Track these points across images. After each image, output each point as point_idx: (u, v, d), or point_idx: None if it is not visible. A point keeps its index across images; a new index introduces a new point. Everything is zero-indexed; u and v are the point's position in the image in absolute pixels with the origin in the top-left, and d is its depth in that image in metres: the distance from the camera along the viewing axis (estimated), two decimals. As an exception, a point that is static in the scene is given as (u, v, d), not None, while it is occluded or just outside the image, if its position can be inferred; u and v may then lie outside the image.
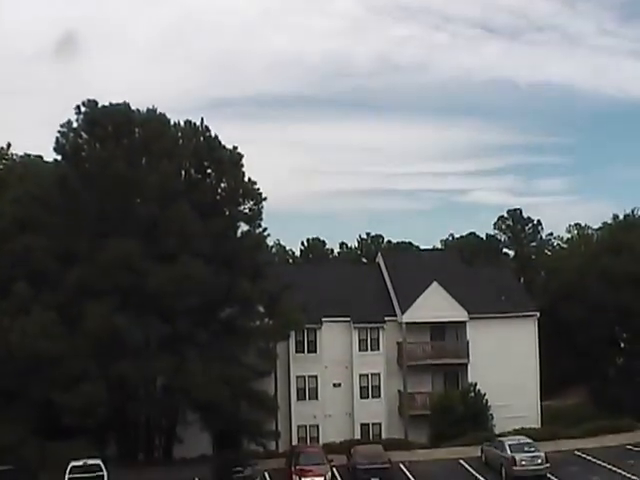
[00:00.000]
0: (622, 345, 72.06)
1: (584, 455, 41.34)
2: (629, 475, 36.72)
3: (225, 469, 35.50)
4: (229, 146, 43.70)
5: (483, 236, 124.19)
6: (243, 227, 44.03)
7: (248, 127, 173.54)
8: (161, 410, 41.88)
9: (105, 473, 33.51)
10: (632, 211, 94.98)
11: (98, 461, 34.97)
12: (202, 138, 43.64)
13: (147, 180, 40.01)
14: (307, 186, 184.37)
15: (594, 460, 40.10)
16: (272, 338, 44.40)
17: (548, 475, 36.71)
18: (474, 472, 38.56)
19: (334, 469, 37.39)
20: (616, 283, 67.08)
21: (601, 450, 42.16)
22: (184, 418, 44.72)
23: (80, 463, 34.46)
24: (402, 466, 39.53)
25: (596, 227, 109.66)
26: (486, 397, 50.40)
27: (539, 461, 36.68)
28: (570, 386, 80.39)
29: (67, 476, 33.74)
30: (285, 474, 37.39)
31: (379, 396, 52.88)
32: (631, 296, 65.75)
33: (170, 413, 43.71)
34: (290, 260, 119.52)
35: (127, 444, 44.62)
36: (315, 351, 52.06)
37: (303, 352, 51.78)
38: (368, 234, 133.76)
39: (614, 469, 37.96)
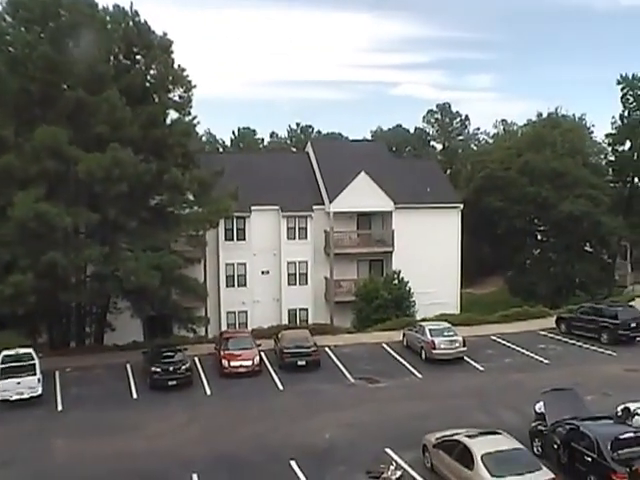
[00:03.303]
0: (539, 237, 74.74)
1: (499, 339, 43.36)
2: (539, 358, 39.01)
3: (155, 355, 35.99)
4: (159, 32, 42.84)
5: (412, 129, 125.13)
6: (173, 115, 43.49)
7: (178, 12, 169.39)
8: (92, 298, 41.92)
9: (37, 361, 33.57)
10: (555, 110, 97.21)
11: (30, 350, 34.79)
12: (131, 23, 42.49)
13: (74, 65, 38.91)
14: (238, 75, 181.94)
15: (508, 344, 42.18)
16: (202, 226, 44.48)
17: (465, 358, 38.54)
18: (396, 355, 40.02)
19: (262, 353, 38.12)
20: (536, 177, 69.26)
21: (515, 335, 44.26)
22: (115, 305, 45.47)
23: (12, 352, 34.37)
24: (328, 350, 40.74)
25: (521, 124, 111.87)
26: (409, 284, 52.03)
27: (457, 345, 38.47)
28: (489, 275, 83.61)
29: (-1, 365, 33.77)
30: (214, 359, 38.22)
31: (306, 283, 54.39)
32: (549, 190, 68.07)
33: (101, 301, 43.99)
34: (220, 149, 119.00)
35: (59, 332, 45.00)
36: (244, 239, 52.95)
37: (232, 240, 52.64)
38: (298, 124, 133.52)
39: (526, 352, 40.16)
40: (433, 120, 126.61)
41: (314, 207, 54.53)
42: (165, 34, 42.43)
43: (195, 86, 42.79)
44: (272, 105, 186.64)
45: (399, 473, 23.24)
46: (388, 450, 25.14)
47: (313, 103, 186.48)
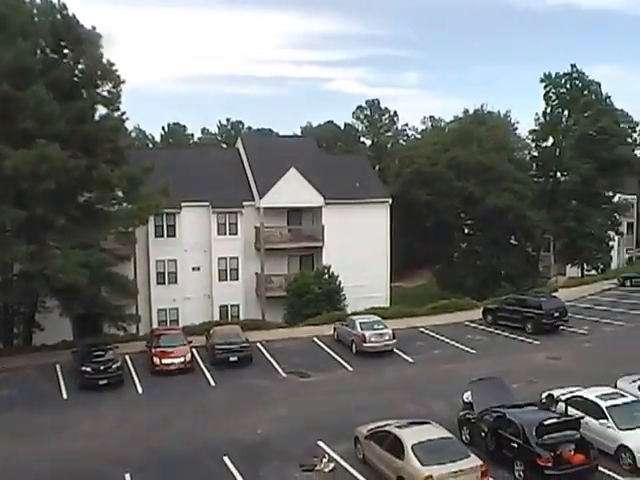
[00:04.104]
0: (466, 230, 76.15)
1: (428, 331, 44.21)
2: (467, 348, 39.96)
3: (85, 354, 35.59)
4: (88, 26, 42.17)
5: (341, 125, 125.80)
6: (102, 110, 42.92)
7: (107, 7, 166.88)
8: (19, 297, 41.05)
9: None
10: (481, 106, 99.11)
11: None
12: (59, 16, 41.73)
13: (0, 58, 38.20)
14: (169, 70, 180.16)
15: (437, 336, 43.07)
16: (131, 222, 44.05)
17: (395, 350, 39.15)
18: (327, 349, 40.48)
19: (193, 350, 38.15)
20: (463, 172, 70.55)
21: (444, 327, 45.23)
22: (43, 305, 44.55)
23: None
24: (259, 345, 40.92)
25: (448, 120, 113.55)
26: (339, 278, 52.52)
27: (387, 337, 39.06)
28: (418, 268, 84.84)
29: None
30: (146, 357, 37.97)
31: (237, 279, 54.32)
32: (476, 184, 69.42)
33: (29, 300, 43.13)
34: (150, 145, 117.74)
35: (-14, 333, 44.22)
36: (174, 235, 52.62)
37: (162, 236, 52.24)
38: (228, 120, 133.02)
39: (454, 343, 41.09)
40: (362, 116, 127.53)
41: (244, 203, 54.49)
42: (94, 28, 41.67)
43: (124, 81, 42.25)
44: (202, 101, 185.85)
45: (332, 465, 23.58)
46: (320, 443, 25.43)
47: (244, 99, 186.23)
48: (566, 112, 77.96)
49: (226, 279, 54.04)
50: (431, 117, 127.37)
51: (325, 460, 23.79)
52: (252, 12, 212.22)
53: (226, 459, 24.33)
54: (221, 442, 25.98)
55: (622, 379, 28.65)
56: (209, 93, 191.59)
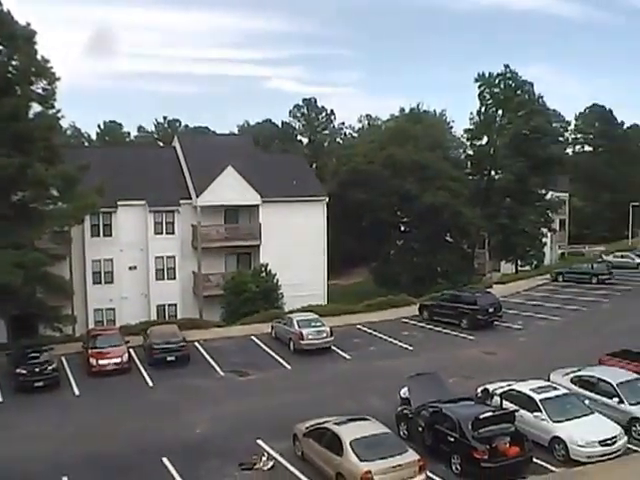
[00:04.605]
0: (402, 228, 76.89)
1: (365, 328, 44.57)
2: (404, 345, 40.40)
3: (20, 356, 34.95)
4: (22, 22, 41.40)
5: (279, 123, 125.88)
6: (36, 108, 42.16)
7: (41, 3, 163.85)
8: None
9: None
10: (417, 105, 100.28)
11: None
12: (-8, 12, 40.85)
13: None
14: (105, 68, 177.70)
15: (374, 332, 43.46)
16: (67, 222, 43.50)
17: (332, 347, 39.41)
18: (265, 347, 40.51)
19: (131, 350, 37.83)
20: (399, 170, 71.23)
21: (380, 324, 45.64)
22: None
23: None
24: (197, 344, 40.78)
25: (385, 119, 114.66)
26: (277, 276, 52.62)
27: (324, 335, 39.28)
28: (355, 266, 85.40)
29: None
30: (82, 358, 37.43)
31: (174, 278, 53.98)
32: (412, 182, 70.14)
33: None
34: (86, 143, 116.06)
35: None
36: (110, 235, 52.00)
37: (98, 236, 51.57)
38: (165, 118, 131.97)
39: (391, 340, 41.52)
40: (299, 115, 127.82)
41: (181, 202, 54.18)
42: (28, 24, 40.98)
43: (59, 78, 41.59)
44: (139, 99, 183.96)
45: (271, 463, 23.65)
46: (260, 441, 25.45)
47: (181, 97, 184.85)
48: (500, 111, 79.20)
49: (163, 278, 53.66)
50: (368, 116, 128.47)
51: (264, 458, 23.85)
52: (190, 10, 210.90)
53: (165, 460, 24.18)
54: (160, 443, 25.82)
55: (555, 372, 29.33)
56: (146, 91, 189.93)
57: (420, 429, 24.36)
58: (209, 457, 24.51)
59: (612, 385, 26.10)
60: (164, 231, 53.50)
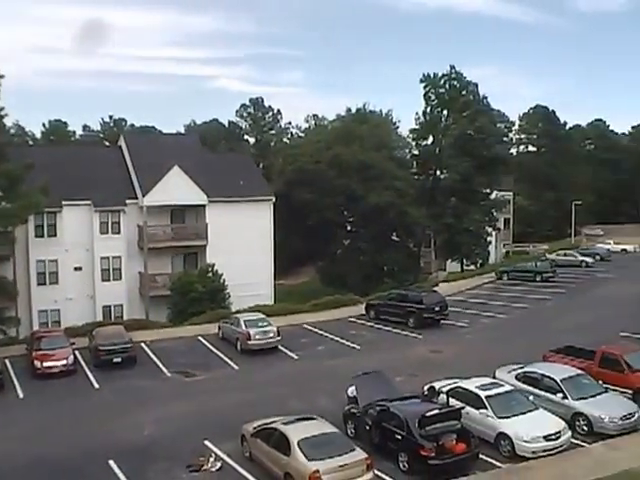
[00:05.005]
0: (348, 227, 77.26)
1: (312, 328, 44.71)
2: (350, 344, 40.61)
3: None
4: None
5: (225, 122, 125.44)
6: (-22, 106, 41.49)
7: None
8: None
9: None
10: (363, 105, 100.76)
11: None
12: None
13: None
14: (50, 66, 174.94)
15: (321, 332, 43.61)
16: (10, 222, 42.90)
17: (280, 347, 39.44)
18: (212, 347, 40.36)
19: (76, 352, 37.30)
20: (345, 170, 71.55)
21: (328, 323, 45.85)
22: None
23: None
24: (144, 345, 40.47)
25: (331, 119, 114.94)
26: (223, 277, 52.40)
27: (271, 335, 39.26)
28: (302, 265, 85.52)
29: None
30: (27, 360, 36.82)
31: (120, 278, 53.45)
32: (358, 182, 70.52)
33: None
34: (30, 142, 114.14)
35: None
36: (55, 235, 51.32)
37: (43, 236, 50.86)
38: (111, 117, 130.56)
39: (338, 339, 41.70)
40: (246, 114, 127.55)
41: (127, 201, 53.69)
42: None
43: (3, 76, 41.02)
44: (85, 98, 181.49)
45: (219, 464, 23.57)
46: (207, 442, 25.33)
47: (127, 96, 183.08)
48: (445, 112, 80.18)
49: (109, 279, 53.12)
50: (314, 115, 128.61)
51: (212, 459, 23.75)
52: (136, 8, 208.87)
53: (112, 463, 23.90)
54: (107, 446, 25.51)
55: (500, 369, 29.73)
56: (91, 90, 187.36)
57: (367, 428, 24.49)
58: (156, 459, 24.31)
59: (556, 381, 26.57)
60: (110, 231, 52.97)
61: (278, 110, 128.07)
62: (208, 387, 33.28)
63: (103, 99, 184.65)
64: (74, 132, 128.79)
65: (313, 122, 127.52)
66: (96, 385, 34.02)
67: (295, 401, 29.75)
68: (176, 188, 53.67)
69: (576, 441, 24.25)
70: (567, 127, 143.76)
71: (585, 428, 25.02)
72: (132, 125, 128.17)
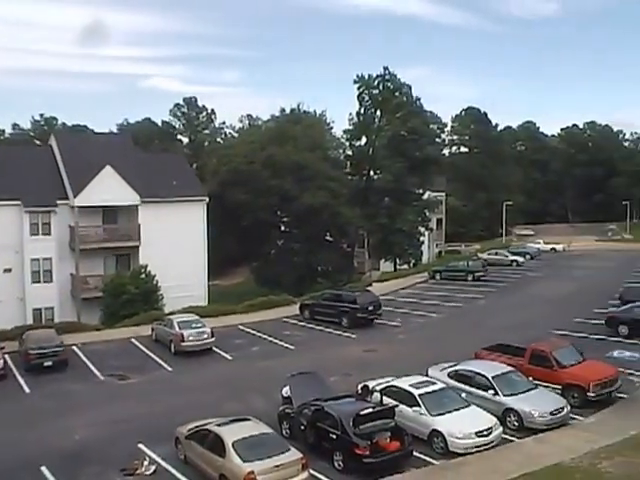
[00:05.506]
0: (282, 228, 77.36)
1: (246, 329, 44.67)
2: (285, 344, 40.69)
3: None
4: None
5: (159, 122, 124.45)
6: None
7: None
8: None
9: None
10: (298, 106, 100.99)
11: None
12: None
13: None
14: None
15: (255, 333, 43.58)
16: None
17: (214, 348, 39.28)
18: (145, 349, 39.98)
19: (6, 356, 36.43)
20: (279, 171, 71.63)
21: (262, 323, 45.90)
22: None
23: None
24: (76, 348, 39.88)
25: (265, 119, 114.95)
26: (156, 278, 52.01)
27: (205, 336, 39.08)
28: (236, 266, 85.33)
29: None
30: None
31: (51, 280, 52.49)
32: (292, 183, 70.66)
33: None
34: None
35: None
36: (-18, 236, 50.24)
37: (-30, 237, 49.80)
38: (42, 115, 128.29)
39: (272, 340, 41.74)
40: (180, 114, 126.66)
41: (58, 202, 52.74)
42: None
43: None
44: (14, 96, 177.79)
45: (153, 468, 23.38)
46: (141, 446, 25.10)
47: (58, 95, 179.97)
48: (378, 113, 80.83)
49: (40, 281, 52.11)
50: (248, 116, 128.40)
51: (146, 463, 23.54)
52: (69, 4, 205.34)
53: (44, 469, 23.44)
54: (38, 451, 25.04)
55: (433, 367, 30.13)
56: (21, 88, 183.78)
57: (302, 428, 24.57)
58: (89, 464, 23.96)
59: (487, 378, 27.07)
60: (40, 232, 51.93)
61: (212, 110, 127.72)
62: (142, 390, 32.95)
63: (34, 97, 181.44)
64: (3, 131, 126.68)
65: (247, 122, 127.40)
66: (27, 390, 33.36)
67: (230, 402, 29.66)
68: (108, 188, 53.02)
69: (507, 436, 24.74)
70: (498, 128, 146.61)
71: (516, 423, 25.59)
72: (64, 124, 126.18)
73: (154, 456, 24.22)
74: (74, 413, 29.50)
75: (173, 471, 23.19)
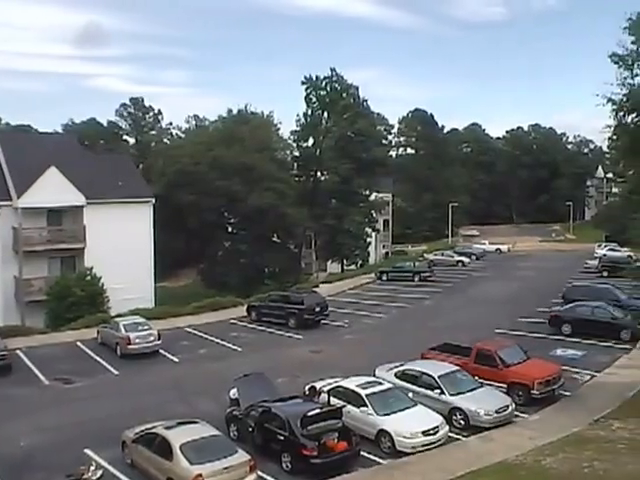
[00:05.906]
0: (229, 229, 77.22)
1: (193, 331, 44.54)
2: (232, 346, 40.61)
3: None
4: None
5: (104, 122, 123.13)
6: None
7: None
8: None
9: None
10: (245, 106, 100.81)
11: None
12: None
13: None
14: None
15: (202, 335, 43.46)
16: None
17: (161, 351, 39.06)
18: (91, 353, 39.52)
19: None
20: (226, 172, 71.54)
21: (209, 325, 45.86)
22: None
23: None
24: (20, 352, 39.27)
25: (212, 120, 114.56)
26: (102, 280, 51.56)
27: (152, 339, 38.81)
28: (183, 268, 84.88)
29: None
30: None
31: (-6, 283, 51.64)
32: (239, 184, 70.59)
33: None
34: None
35: None
36: None
37: None
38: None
39: (220, 342, 41.63)
40: (126, 114, 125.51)
41: (1, 203, 52.03)
42: None
43: None
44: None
45: (100, 473, 23.13)
46: (87, 450, 24.80)
47: (1, 93, 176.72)
48: (326, 114, 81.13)
49: (-19, 284, 51.22)
50: (195, 116, 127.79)
51: (93, 468, 23.27)
52: (13, 2, 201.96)
53: (-14, 477, 23.19)
54: (-20, 458, 24.69)
55: (380, 368, 30.34)
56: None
57: (250, 429, 24.57)
58: (35, 470, 23.61)
59: (433, 378, 27.34)
60: (-19, 234, 51.07)
61: (159, 110, 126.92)
62: (88, 394, 32.56)
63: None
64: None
65: (194, 123, 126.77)
66: (-32, 395, 32.82)
67: (177, 405, 29.55)
68: (52, 189, 52.21)
69: (453, 435, 25.05)
70: (445, 130, 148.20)
71: (462, 422, 25.90)
72: (7, 124, 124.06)
73: (101, 461, 23.96)
74: (18, 419, 29.04)
75: (120, 475, 22.98)
